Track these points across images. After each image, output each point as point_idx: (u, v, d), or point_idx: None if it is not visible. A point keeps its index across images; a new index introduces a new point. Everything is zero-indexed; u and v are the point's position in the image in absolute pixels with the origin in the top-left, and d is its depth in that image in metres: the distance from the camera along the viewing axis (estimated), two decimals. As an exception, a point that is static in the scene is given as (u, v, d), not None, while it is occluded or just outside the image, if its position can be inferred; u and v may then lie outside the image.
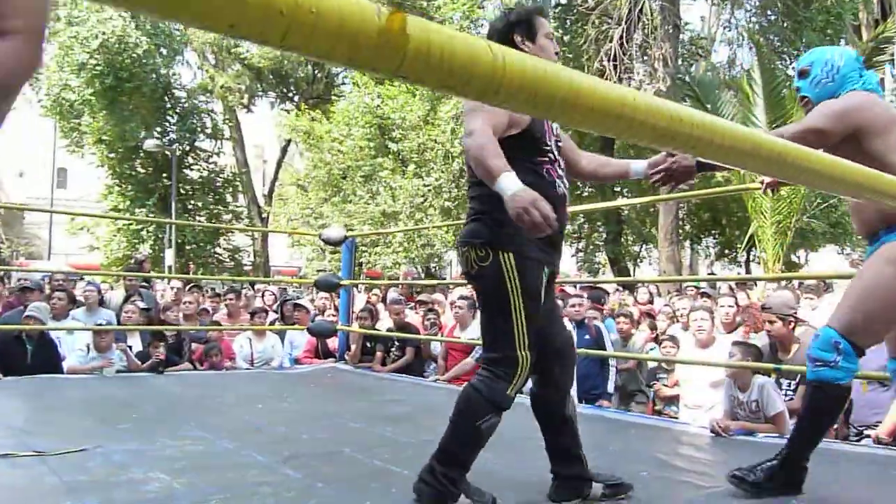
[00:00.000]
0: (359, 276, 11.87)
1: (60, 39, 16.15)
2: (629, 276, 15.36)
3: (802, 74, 2.49)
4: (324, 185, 14.54)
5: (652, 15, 10.28)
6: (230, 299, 7.21)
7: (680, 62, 11.93)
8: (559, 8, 13.55)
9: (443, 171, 12.16)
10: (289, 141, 20.31)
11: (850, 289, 2.35)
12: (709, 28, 17.54)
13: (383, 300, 8.52)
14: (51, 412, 3.82)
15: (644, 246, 19.67)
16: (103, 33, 15.77)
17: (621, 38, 10.28)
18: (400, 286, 9.23)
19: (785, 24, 13.41)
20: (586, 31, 11.28)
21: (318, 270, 18.96)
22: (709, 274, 17.90)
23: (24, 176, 37.71)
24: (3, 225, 33.06)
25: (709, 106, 10.60)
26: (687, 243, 18.33)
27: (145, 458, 2.71)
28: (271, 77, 18.12)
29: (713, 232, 18.14)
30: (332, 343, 6.58)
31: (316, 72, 18.32)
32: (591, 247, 18.34)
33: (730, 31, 16.33)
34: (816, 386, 2.30)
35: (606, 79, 8.46)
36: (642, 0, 9.89)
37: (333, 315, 6.97)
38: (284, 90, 18.76)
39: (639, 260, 20.15)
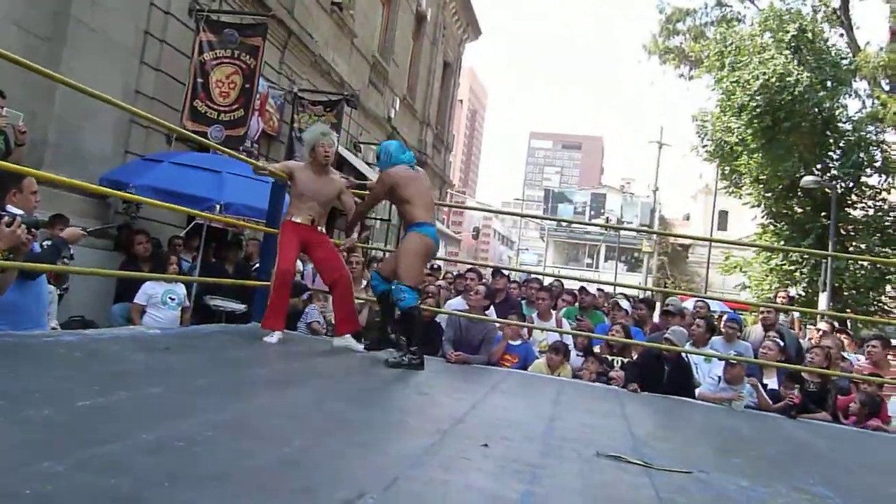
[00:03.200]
0: None
1: (724, 86, 16.96)
2: None
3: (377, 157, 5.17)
4: None
5: None
6: (874, 347, 6.15)
7: None
8: None
9: None
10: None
11: None
12: None
13: None
14: (672, 430, 3.83)
15: None
16: (764, 73, 15.89)
17: None
18: None
19: None
20: None
21: None
22: None
23: (690, 219, 41.34)
24: (670, 262, 36.83)
25: None
26: None
27: (740, 497, 2.38)
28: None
29: None
30: None
31: None
32: None
33: None
34: None
35: None
36: None
37: None
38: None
39: None
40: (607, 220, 40.99)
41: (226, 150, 6.42)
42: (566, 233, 40.47)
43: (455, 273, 10.37)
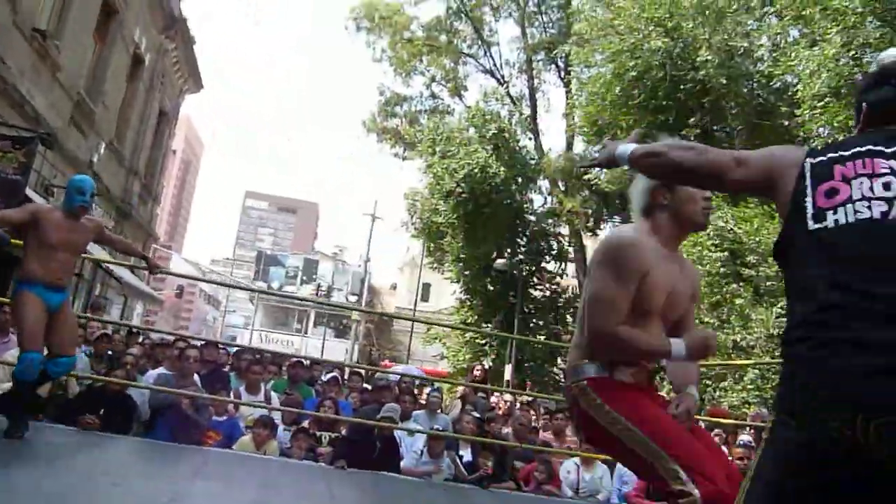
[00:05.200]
0: (701, 414, 10.76)
1: (434, 171, 18.44)
2: None
3: None
4: (665, 311, 13.87)
5: None
6: (558, 419, 6.96)
7: None
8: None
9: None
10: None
11: None
12: None
13: (727, 443, 7.51)
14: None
15: None
16: (469, 164, 17.63)
17: None
18: (749, 429, 8.07)
19: None
20: None
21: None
22: None
23: (397, 289, 43.44)
24: (376, 330, 38.10)
25: None
26: None
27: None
28: (617, 202, 18.33)
29: None
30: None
31: (663, 196, 18.09)
32: None
33: None
34: None
35: None
36: None
37: (670, 452, 6.25)
38: (630, 214, 18.81)
39: None
40: (319, 286, 41.33)
41: None
42: (276, 297, 39.90)
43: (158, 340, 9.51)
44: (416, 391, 7.76)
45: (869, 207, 1.36)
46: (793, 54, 11.91)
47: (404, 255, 41.70)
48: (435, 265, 22.50)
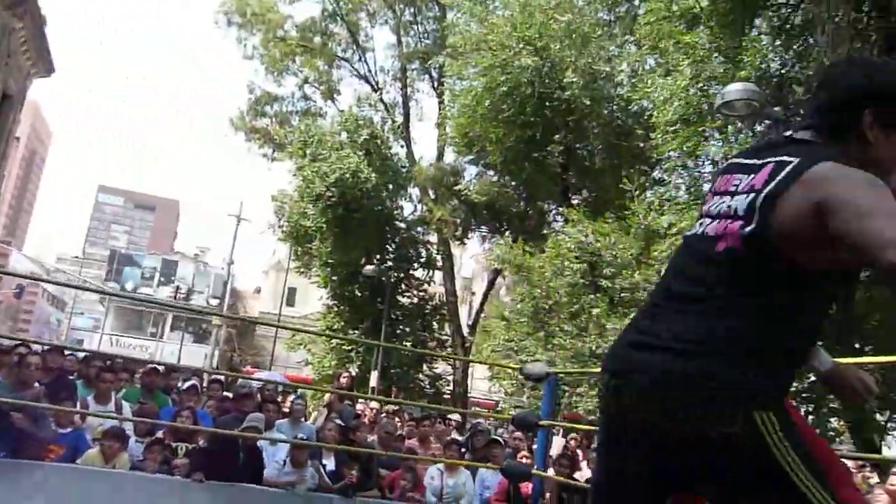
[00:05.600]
0: (557, 418, 11.25)
1: (304, 174, 18.13)
2: (875, 450, 13.07)
3: None
4: (529, 319, 14.38)
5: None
6: (425, 425, 7.03)
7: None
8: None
9: (654, 313, 11.46)
10: (496, 274, 20.68)
11: None
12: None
13: (583, 446, 7.90)
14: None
15: (891, 415, 16.86)
16: (340, 168, 17.47)
17: None
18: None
19: None
20: None
21: (516, 406, 18.49)
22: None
23: (261, 292, 42.20)
24: (238, 335, 36.81)
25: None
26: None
27: None
28: (485, 212, 18.82)
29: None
30: (526, 487, 6.06)
31: (528, 208, 18.76)
32: (825, 410, 16.06)
33: None
34: None
35: None
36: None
37: (527, 457, 6.49)
38: (497, 224, 19.37)
39: (886, 432, 17.24)
40: (178, 288, 39.38)
41: None
42: (129, 299, 37.61)
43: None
44: (279, 399, 7.59)
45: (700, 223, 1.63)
46: (649, 81, 12.75)
47: (270, 259, 40.61)
48: (302, 269, 22.09)
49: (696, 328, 1.46)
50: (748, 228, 1.45)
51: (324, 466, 5.72)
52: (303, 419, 6.84)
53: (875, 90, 1.46)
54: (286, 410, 6.86)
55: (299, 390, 9.74)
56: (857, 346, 12.63)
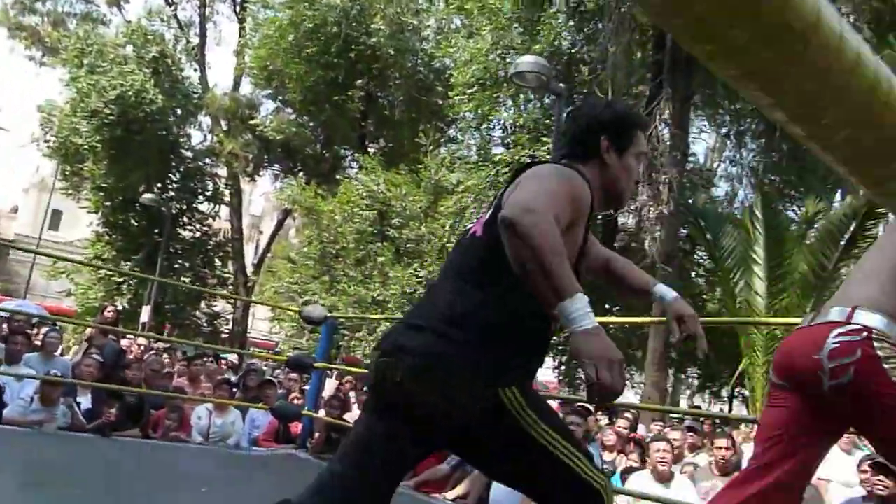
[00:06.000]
0: (335, 361, 11.47)
1: (79, 85, 16.33)
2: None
3: None
4: (315, 263, 14.35)
5: (660, 140, 10.44)
6: (196, 365, 6.85)
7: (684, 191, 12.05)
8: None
9: (437, 266, 12.02)
10: (286, 215, 20.28)
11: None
12: (710, 162, 17.89)
13: (356, 389, 8.16)
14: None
15: (628, 368, 19.31)
16: (122, 85, 15.97)
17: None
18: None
19: (789, 167, 13.70)
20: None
21: (295, 348, 18.49)
22: (691, 407, 17.48)
23: (19, 212, 37.64)
24: (-14, 259, 32.64)
25: (709, 236, 10.59)
26: (670, 371, 18.01)
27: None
28: (279, 150, 18.26)
29: (697, 362, 17.85)
30: (296, 427, 6.16)
31: (324, 151, 18.51)
32: (574, 361, 17.99)
33: (733, 166, 16.66)
34: None
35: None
36: (654, 123, 10.06)
37: (299, 398, 6.59)
38: (291, 164, 18.89)
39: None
40: None
41: None
42: None
43: None
44: (31, 331, 6.95)
45: None
46: (453, 41, 13.08)
47: (32, 176, 36.26)
48: (70, 191, 20.01)
49: (449, 308, 1.62)
50: (489, 214, 1.71)
51: (79, 405, 5.37)
52: (57, 353, 6.34)
53: (606, 122, 1.80)
54: (38, 344, 6.31)
55: (57, 324, 8.96)
56: (606, 306, 14.26)
